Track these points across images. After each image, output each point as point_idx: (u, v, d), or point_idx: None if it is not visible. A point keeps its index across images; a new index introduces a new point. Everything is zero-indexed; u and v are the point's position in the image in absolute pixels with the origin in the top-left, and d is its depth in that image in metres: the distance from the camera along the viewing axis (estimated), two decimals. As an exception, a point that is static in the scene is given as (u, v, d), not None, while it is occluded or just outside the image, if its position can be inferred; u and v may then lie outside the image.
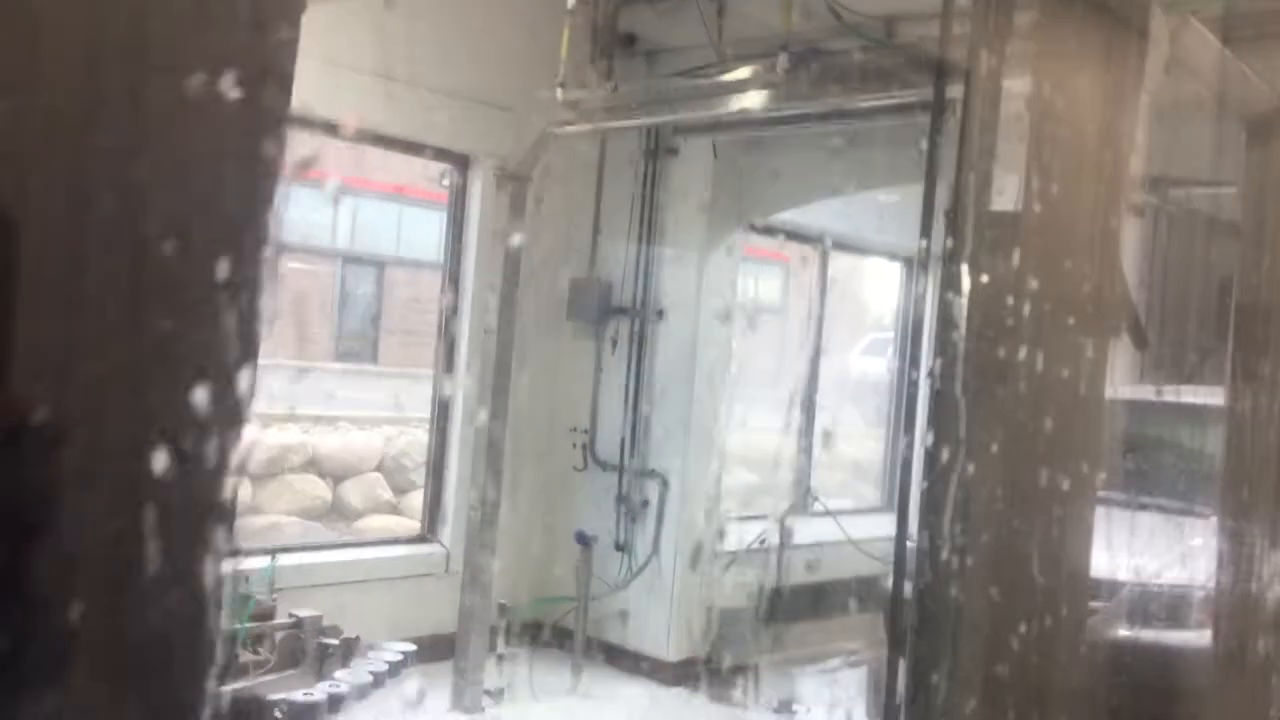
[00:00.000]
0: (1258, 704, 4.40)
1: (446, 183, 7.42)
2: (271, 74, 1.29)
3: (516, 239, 6.21)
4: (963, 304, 2.87)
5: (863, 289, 10.31)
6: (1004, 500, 3.00)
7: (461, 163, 6.87)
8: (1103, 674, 3.41)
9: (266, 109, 1.28)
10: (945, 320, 2.96)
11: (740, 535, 7.54)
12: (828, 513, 8.48)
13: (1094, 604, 3.48)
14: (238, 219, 1.22)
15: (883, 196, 7.68)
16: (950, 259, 2.97)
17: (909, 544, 6.79)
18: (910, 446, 3.16)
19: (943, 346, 3.03)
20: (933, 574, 3.22)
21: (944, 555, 3.11)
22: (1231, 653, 4.39)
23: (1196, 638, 5.19)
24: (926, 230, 3.06)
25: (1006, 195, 2.74)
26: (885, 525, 8.90)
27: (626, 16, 6.67)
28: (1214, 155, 5.08)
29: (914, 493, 8.82)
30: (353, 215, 13.79)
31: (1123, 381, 5.77)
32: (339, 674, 5.36)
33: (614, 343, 7.10)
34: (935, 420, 3.20)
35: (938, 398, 3.15)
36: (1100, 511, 3.25)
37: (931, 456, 3.40)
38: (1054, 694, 3.26)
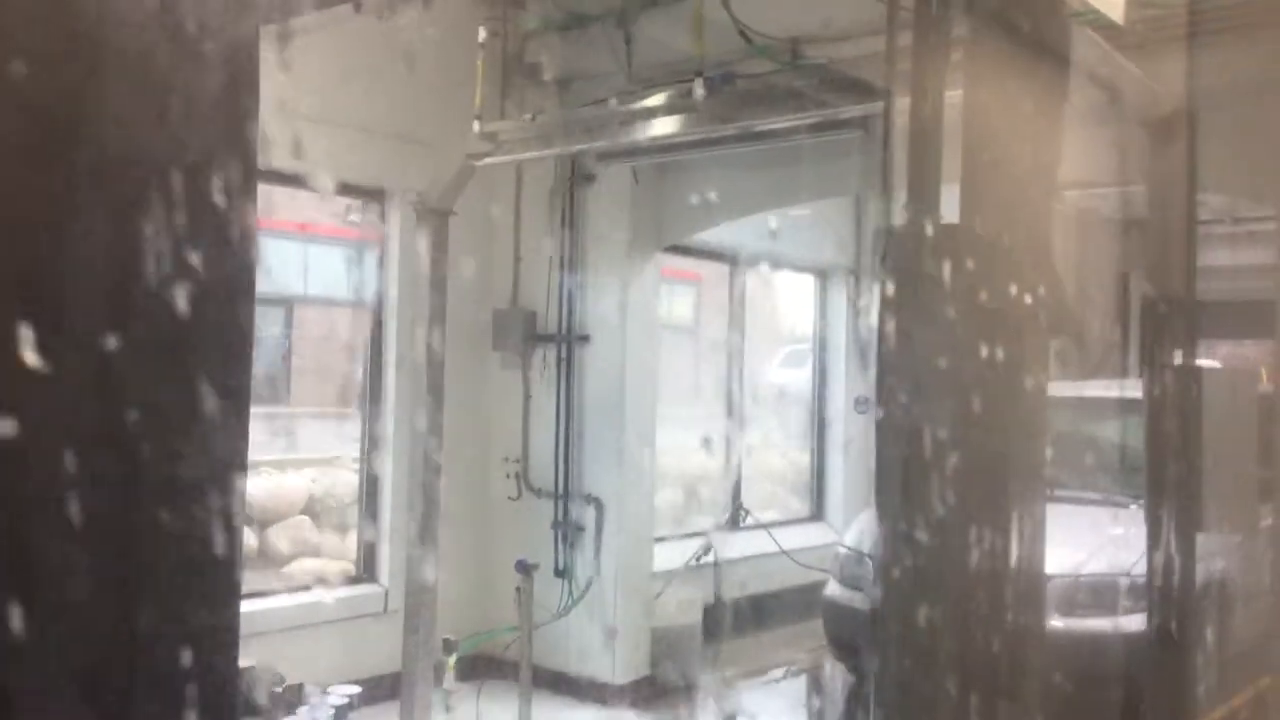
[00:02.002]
0: (1187, 682, 4.59)
1: (354, 218, 7.37)
2: (241, 120, 1.33)
3: (439, 272, 6.20)
4: (898, 315, 2.97)
5: (777, 303, 10.49)
6: (953, 503, 3.10)
7: (378, 198, 6.84)
8: (1049, 665, 3.54)
9: (249, 162, 1.32)
10: (883, 332, 3.06)
11: (677, 553, 7.61)
12: (759, 525, 8.60)
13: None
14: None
15: (794, 212, 7.86)
16: (884, 271, 3.07)
17: (841, 550, 6.95)
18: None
19: (882, 357, 3.13)
20: (885, 580, 3.31)
21: (895, 561, 3.21)
22: (1161, 635, 4.57)
23: (1126, 623, 5.40)
24: (858, 244, 3.16)
25: (941, 207, 2.86)
26: (814, 535, 9.07)
27: (534, 48, 6.73)
28: (1108, 157, 5.33)
29: (840, 497, 8.94)
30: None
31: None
32: (287, 722, 5.26)
33: (542, 369, 7.12)
34: (881, 428, 3.30)
35: (880, 407, 3.25)
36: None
37: (879, 465, 3.50)
38: (1005, 687, 3.37)
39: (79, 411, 1.12)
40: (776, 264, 9.38)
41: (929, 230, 2.42)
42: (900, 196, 2.86)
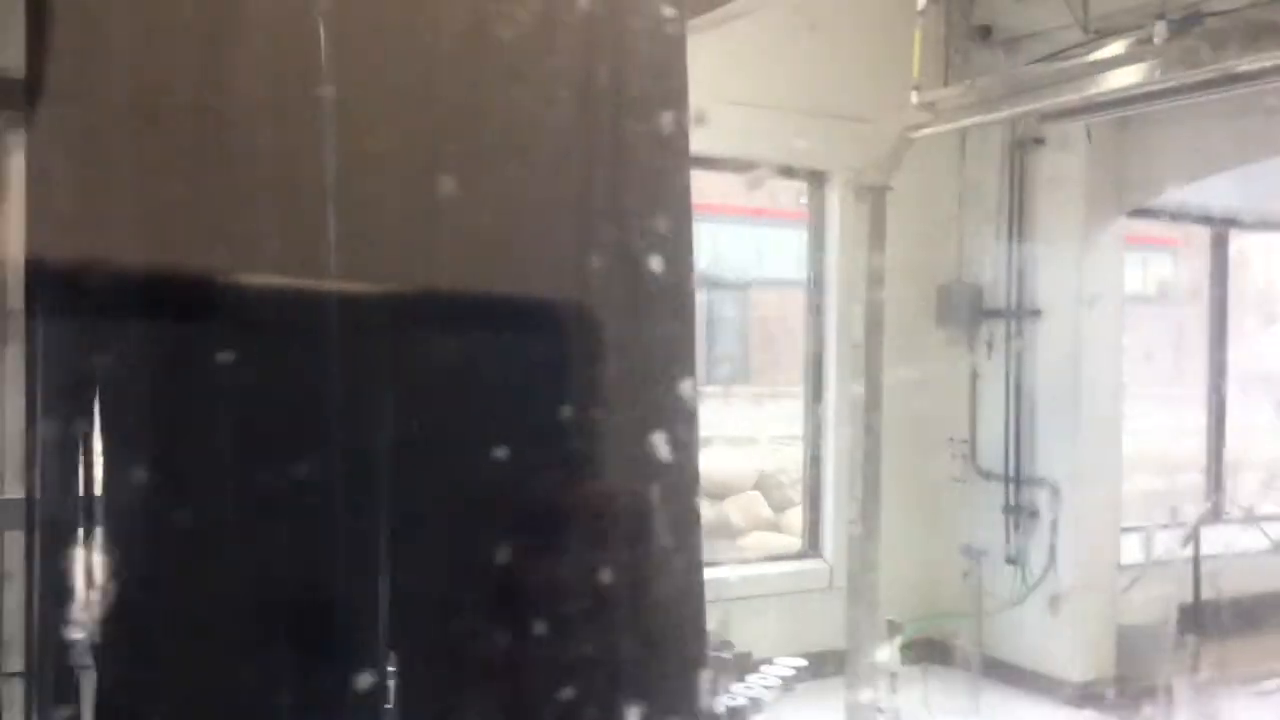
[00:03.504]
0: None
1: (804, 201, 7.46)
2: (680, 114, 1.37)
3: (877, 248, 6.12)
4: None
5: (1272, 270, 9.25)
6: None
7: (819, 179, 6.88)
8: None
9: (681, 147, 1.36)
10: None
11: (1147, 546, 6.97)
12: (1250, 519, 7.66)
13: None
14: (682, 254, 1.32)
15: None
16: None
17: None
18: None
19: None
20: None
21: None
22: None
23: None
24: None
25: None
26: (1321, 532, 7.90)
27: (981, 8, 6.44)
28: None
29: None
30: (714, 240, 14.18)
31: None
32: (734, 687, 5.47)
33: (989, 347, 6.82)
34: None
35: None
36: None
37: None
38: None
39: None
40: (1270, 225, 8.27)
41: None
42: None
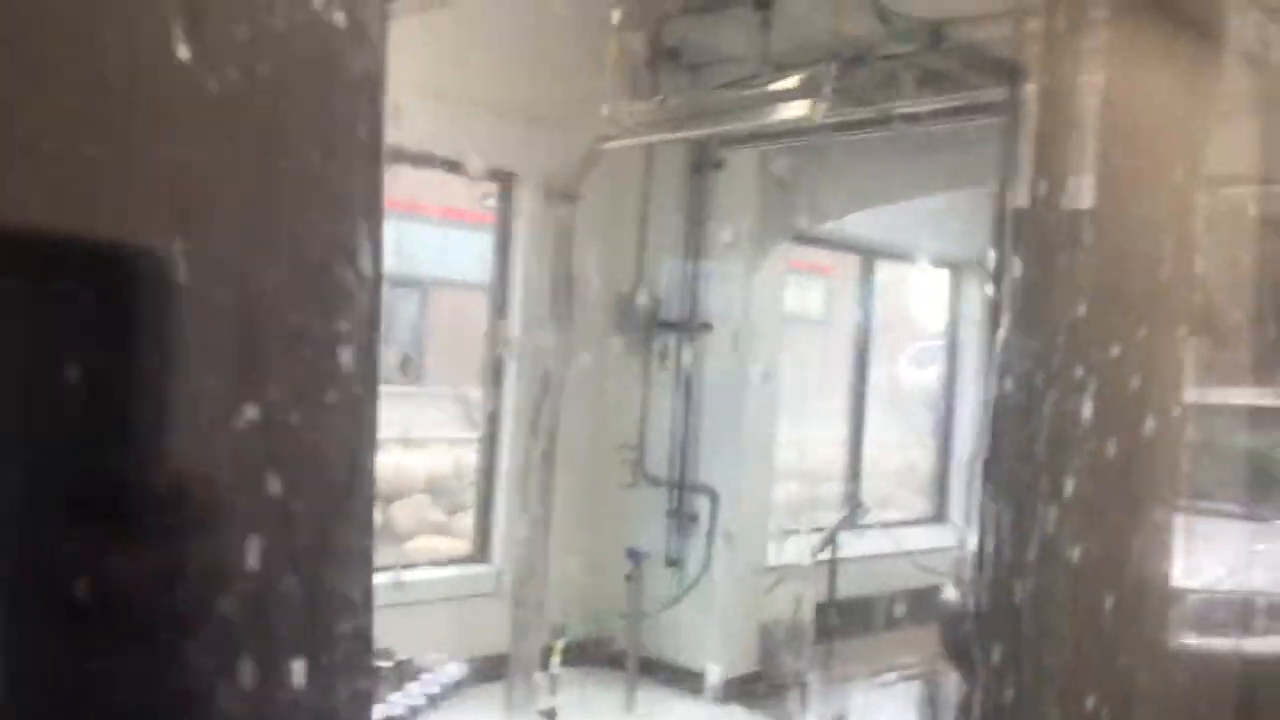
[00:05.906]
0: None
1: (490, 203, 7.43)
2: (367, 101, 1.28)
3: (563, 256, 6.21)
4: (1027, 306, 2.80)
5: (909, 298, 10.22)
6: (1074, 511, 2.92)
7: (507, 181, 6.87)
8: (1183, 684, 3.30)
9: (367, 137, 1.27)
10: (1011, 324, 2.90)
11: (791, 549, 7.47)
12: (878, 524, 8.38)
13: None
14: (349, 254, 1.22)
15: (930, 203, 7.61)
16: (1013, 260, 2.90)
17: (963, 553, 6.70)
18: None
19: (1007, 352, 2.97)
20: (997, 585, 3.14)
21: (1008, 567, 3.04)
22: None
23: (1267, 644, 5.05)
24: (998, 233, 2.98)
25: (1075, 194, 2.68)
26: (937, 537, 8.80)
27: (671, 30, 6.66)
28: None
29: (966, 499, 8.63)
30: (396, 238, 13.87)
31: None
32: (393, 696, 5.33)
33: (662, 357, 7.07)
34: (996, 429, 3.13)
35: (999, 406, 3.08)
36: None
37: (990, 465, 3.31)
38: (1134, 704, 3.17)
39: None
40: (910, 257, 9.13)
41: (1053, 214, 2.26)
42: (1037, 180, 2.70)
